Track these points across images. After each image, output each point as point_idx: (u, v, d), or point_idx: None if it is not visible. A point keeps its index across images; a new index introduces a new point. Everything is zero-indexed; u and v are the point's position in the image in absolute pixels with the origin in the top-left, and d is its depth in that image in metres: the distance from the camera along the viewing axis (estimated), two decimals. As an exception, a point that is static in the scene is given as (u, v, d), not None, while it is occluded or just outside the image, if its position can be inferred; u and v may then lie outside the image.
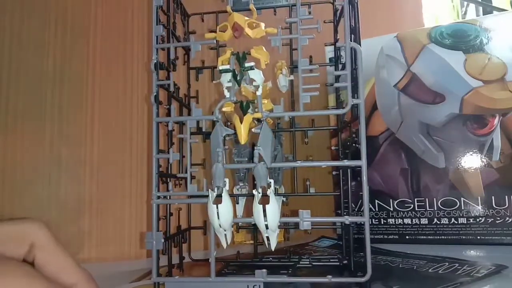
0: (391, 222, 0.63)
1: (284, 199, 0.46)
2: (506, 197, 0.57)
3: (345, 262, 0.47)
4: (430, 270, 0.45)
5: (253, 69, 0.37)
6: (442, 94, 0.61)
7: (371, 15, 0.96)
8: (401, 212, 0.63)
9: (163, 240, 0.37)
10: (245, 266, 0.48)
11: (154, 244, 0.37)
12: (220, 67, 0.38)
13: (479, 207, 0.59)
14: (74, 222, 0.60)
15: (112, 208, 0.62)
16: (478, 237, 0.58)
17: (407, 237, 0.62)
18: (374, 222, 0.64)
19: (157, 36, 0.39)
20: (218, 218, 0.35)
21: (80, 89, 0.62)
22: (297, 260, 0.49)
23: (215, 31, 0.42)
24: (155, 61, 0.38)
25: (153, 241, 0.37)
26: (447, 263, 0.47)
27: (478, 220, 0.59)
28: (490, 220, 0.58)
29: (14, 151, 0.57)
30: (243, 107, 0.38)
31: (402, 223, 0.63)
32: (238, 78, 0.38)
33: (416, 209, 0.62)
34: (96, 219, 0.61)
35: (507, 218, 0.57)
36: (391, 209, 0.63)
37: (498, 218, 0.58)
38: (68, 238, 0.59)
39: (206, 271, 0.43)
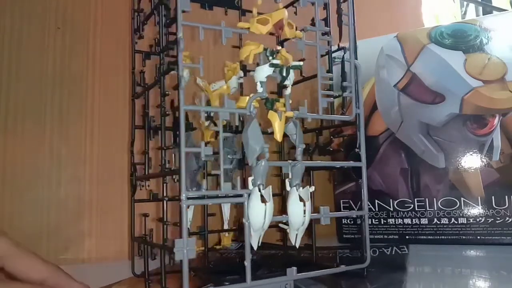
0: (391, 222, 0.63)
1: None
2: (506, 197, 0.57)
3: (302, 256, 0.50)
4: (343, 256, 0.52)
5: (300, 68, 0.38)
6: (442, 94, 0.61)
7: (371, 15, 0.96)
8: (401, 212, 0.63)
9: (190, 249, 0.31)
10: (214, 272, 0.46)
11: (185, 253, 0.31)
12: (273, 61, 0.36)
13: (479, 207, 0.59)
14: (74, 222, 0.60)
15: (112, 208, 0.62)
16: (478, 237, 0.58)
17: (407, 237, 0.62)
18: (374, 222, 0.64)
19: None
20: (265, 217, 0.33)
21: (80, 89, 0.62)
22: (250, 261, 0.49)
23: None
24: (182, 38, 0.32)
25: (184, 250, 0.31)
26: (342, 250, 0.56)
27: (478, 220, 0.59)
28: (490, 220, 0.58)
29: (14, 151, 0.57)
30: (267, 104, 0.37)
31: (402, 223, 0.63)
32: (284, 75, 0.37)
33: (416, 209, 0.62)
34: (96, 219, 0.61)
35: (507, 218, 0.57)
36: (391, 209, 0.63)
37: (498, 218, 0.58)
38: (68, 238, 0.59)
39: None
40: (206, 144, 0.41)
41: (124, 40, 0.65)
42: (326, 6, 0.42)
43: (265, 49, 0.37)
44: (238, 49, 0.53)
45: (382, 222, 0.64)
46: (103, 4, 0.64)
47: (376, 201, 0.64)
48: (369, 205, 0.64)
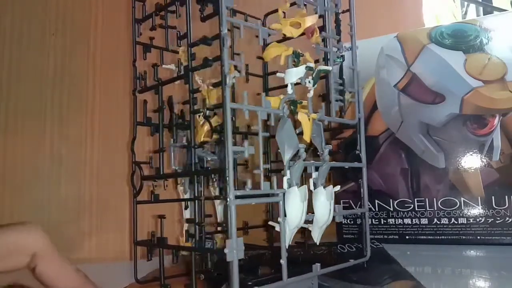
0: (391, 222, 0.63)
1: None
2: (506, 197, 0.57)
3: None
4: (312, 252, 0.52)
5: (329, 71, 0.39)
6: (442, 94, 0.61)
7: (371, 15, 0.96)
8: (401, 212, 0.63)
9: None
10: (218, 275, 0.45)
11: (235, 254, 0.30)
12: (308, 64, 0.37)
13: (479, 207, 0.59)
14: (74, 222, 0.60)
15: (112, 208, 0.62)
16: (478, 237, 0.58)
17: (407, 237, 0.62)
18: (374, 222, 0.64)
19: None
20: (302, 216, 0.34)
21: (80, 89, 0.62)
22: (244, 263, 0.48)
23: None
24: (227, 34, 0.32)
25: (234, 250, 0.30)
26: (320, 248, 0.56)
27: (478, 220, 0.59)
28: (490, 220, 0.58)
29: (14, 151, 0.57)
30: (292, 106, 0.38)
31: (402, 223, 0.63)
32: (314, 77, 0.38)
33: (416, 209, 0.62)
34: (96, 219, 0.61)
35: (507, 218, 0.57)
36: (391, 209, 0.63)
37: (498, 218, 0.58)
38: (68, 238, 0.59)
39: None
40: (201, 144, 0.41)
41: (125, 39, 0.65)
42: (323, 15, 0.43)
43: (294, 52, 0.38)
44: (230, 48, 0.53)
45: (382, 222, 0.64)
46: (103, 3, 0.64)
47: (376, 201, 0.64)
48: (369, 205, 0.64)
